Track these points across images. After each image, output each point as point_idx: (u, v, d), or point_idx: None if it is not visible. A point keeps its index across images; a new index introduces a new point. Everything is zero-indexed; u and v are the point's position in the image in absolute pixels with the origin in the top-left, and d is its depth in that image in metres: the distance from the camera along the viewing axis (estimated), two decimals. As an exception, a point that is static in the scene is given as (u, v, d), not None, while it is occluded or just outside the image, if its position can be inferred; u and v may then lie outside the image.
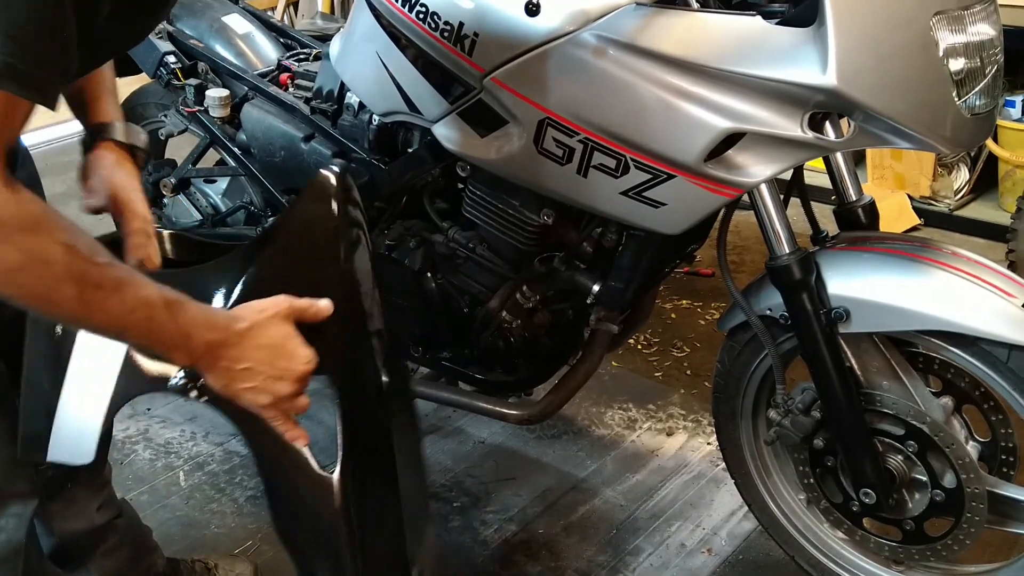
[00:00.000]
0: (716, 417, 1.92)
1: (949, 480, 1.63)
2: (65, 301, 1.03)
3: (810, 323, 1.59)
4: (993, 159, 3.53)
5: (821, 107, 1.44)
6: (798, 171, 1.78)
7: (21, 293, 1.02)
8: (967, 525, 1.63)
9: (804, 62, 1.38)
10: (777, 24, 1.43)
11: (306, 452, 1.24)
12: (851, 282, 1.58)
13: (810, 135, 1.44)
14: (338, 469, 1.23)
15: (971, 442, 1.67)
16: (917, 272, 1.55)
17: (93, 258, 1.04)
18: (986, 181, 3.63)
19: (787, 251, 1.60)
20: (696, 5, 1.50)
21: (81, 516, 1.70)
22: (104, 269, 1.05)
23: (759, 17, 1.44)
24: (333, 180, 1.24)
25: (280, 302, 1.17)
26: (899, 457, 1.67)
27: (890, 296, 1.54)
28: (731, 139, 1.48)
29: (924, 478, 1.65)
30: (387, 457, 1.30)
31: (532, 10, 1.55)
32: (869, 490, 1.68)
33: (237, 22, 2.53)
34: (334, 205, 1.23)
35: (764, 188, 1.59)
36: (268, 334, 1.15)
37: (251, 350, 1.14)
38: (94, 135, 1.44)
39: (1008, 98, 3.36)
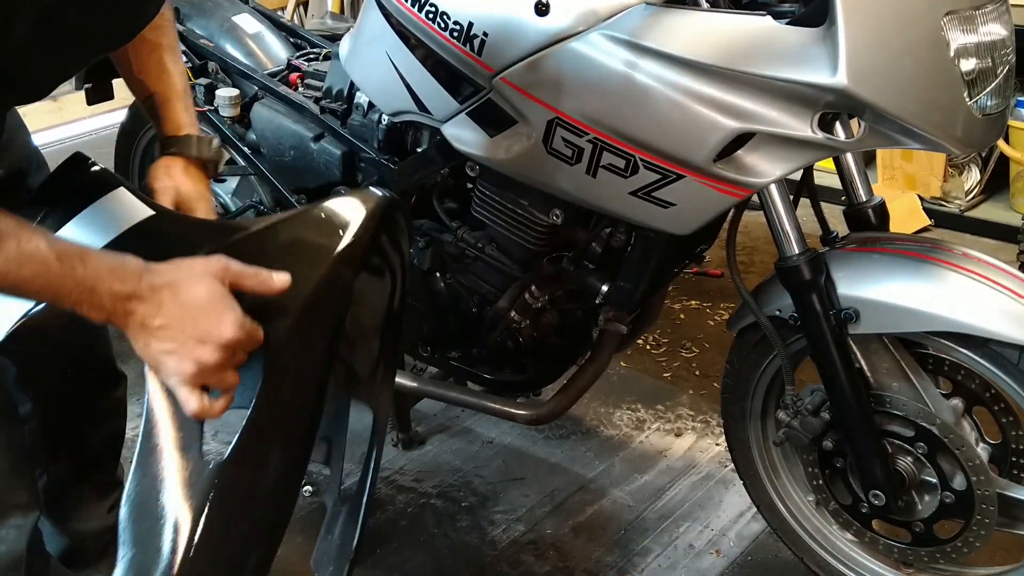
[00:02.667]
0: (725, 418, 1.92)
1: (959, 482, 1.62)
2: None
3: (820, 324, 1.59)
4: (1004, 160, 3.52)
5: (831, 107, 1.43)
6: (808, 171, 1.78)
7: None
8: (977, 527, 1.63)
9: (814, 62, 1.38)
10: (787, 24, 1.42)
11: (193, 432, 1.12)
12: (861, 283, 1.58)
13: (820, 135, 1.44)
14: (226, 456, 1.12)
15: (981, 444, 1.66)
16: (927, 273, 1.55)
17: None
18: (997, 182, 3.61)
19: (797, 251, 1.60)
20: (706, 5, 1.50)
21: (93, 516, 1.69)
22: None
23: (769, 17, 1.43)
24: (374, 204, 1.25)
25: (214, 261, 1.07)
26: (909, 459, 1.66)
27: (900, 297, 1.54)
28: (741, 139, 1.48)
29: (934, 480, 1.65)
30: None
31: (542, 10, 1.55)
32: (878, 492, 1.67)
33: (247, 22, 2.53)
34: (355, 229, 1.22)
35: (774, 188, 1.58)
36: (191, 292, 1.04)
37: (169, 306, 1.03)
38: (165, 146, 1.41)
39: (1020, 98, 3.34)
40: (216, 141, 1.45)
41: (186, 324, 1.03)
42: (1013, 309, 1.49)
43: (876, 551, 1.81)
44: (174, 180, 1.38)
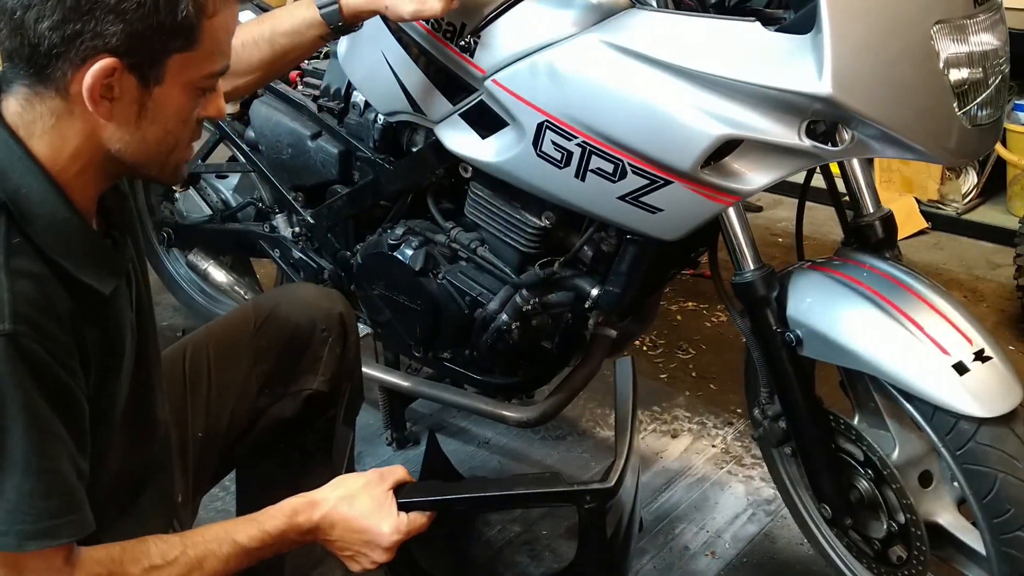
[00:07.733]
0: (748, 397, 1.89)
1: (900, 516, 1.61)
2: None
3: (773, 340, 1.59)
4: (1001, 163, 3.52)
5: (818, 116, 1.42)
6: (808, 176, 1.76)
7: None
8: (915, 562, 1.62)
9: (801, 70, 1.36)
10: (776, 31, 1.41)
11: None
12: (809, 308, 1.56)
13: (807, 143, 1.42)
14: None
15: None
16: (866, 311, 1.51)
17: (167, 557, 1.18)
18: (995, 185, 3.61)
19: (752, 267, 1.60)
20: (696, 11, 1.49)
21: None
22: (180, 560, 1.18)
23: (758, 23, 1.42)
24: None
25: (371, 474, 1.33)
26: (863, 481, 1.65)
27: (835, 331, 1.52)
28: (728, 146, 1.47)
29: (883, 505, 1.63)
30: None
31: (533, 13, 1.56)
32: (826, 505, 1.68)
33: (247, 19, 2.54)
34: None
35: (730, 209, 1.58)
36: (354, 508, 1.29)
37: (338, 526, 1.29)
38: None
39: (1017, 102, 3.35)
40: None
41: (353, 538, 1.30)
42: (933, 364, 1.44)
43: (854, 552, 1.78)
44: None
